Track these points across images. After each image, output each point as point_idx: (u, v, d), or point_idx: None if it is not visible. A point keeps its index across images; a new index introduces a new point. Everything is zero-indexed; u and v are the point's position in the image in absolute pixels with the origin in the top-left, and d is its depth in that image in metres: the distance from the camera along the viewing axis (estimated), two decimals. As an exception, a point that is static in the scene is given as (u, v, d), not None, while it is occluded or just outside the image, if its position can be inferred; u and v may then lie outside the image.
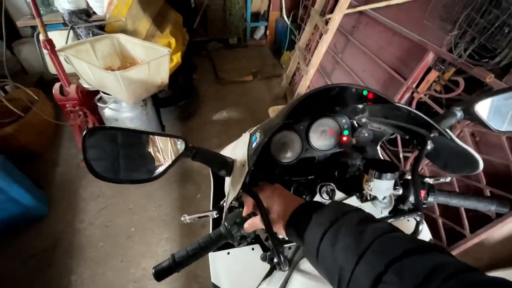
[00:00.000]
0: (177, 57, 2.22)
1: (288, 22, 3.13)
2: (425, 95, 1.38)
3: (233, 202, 0.67)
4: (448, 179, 0.70)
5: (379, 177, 0.52)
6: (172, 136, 0.49)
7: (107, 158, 0.47)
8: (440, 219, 1.23)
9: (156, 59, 1.63)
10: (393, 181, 0.54)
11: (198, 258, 0.55)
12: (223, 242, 0.56)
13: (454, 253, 1.15)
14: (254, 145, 0.55)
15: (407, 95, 1.44)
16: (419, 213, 0.53)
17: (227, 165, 0.56)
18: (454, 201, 0.63)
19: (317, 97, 0.60)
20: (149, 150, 0.50)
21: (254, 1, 3.76)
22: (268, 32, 3.94)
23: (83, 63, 1.56)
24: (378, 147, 0.84)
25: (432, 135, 0.51)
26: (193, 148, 0.52)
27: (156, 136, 0.51)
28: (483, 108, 0.56)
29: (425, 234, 0.73)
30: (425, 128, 0.53)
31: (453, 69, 1.28)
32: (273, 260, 0.53)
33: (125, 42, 1.93)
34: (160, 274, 0.52)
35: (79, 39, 1.94)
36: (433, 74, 1.35)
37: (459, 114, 0.58)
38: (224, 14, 3.70)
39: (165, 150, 0.52)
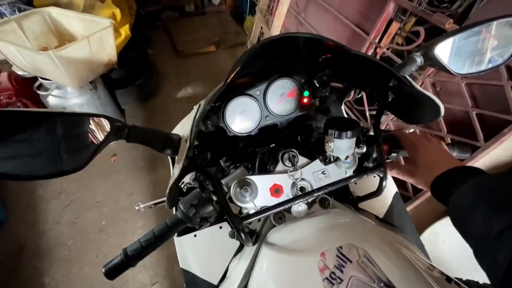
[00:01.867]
0: (125, 30, 1.97)
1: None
2: (387, 49, 1.36)
3: (192, 182, 0.62)
4: (412, 130, 0.69)
5: (339, 137, 0.49)
6: (92, 116, 0.40)
7: (12, 151, 0.37)
8: None
9: (97, 33, 1.42)
10: (354, 140, 0.51)
11: (155, 249, 0.50)
12: (181, 227, 0.51)
13: (418, 201, 1.22)
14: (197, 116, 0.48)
15: (371, 51, 1.41)
16: (382, 169, 0.51)
17: (172, 143, 0.49)
18: (417, 152, 0.62)
19: (269, 55, 0.53)
20: (68, 135, 0.41)
21: (207, -38, 3.41)
22: (227, -3, 3.65)
23: (10, 45, 1.32)
24: (343, 107, 0.80)
25: (391, 84, 0.47)
26: (124, 127, 0.44)
27: (76, 117, 0.41)
28: (443, 51, 0.53)
29: (391, 188, 0.73)
30: (385, 78, 0.49)
31: (413, 19, 1.25)
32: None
33: (58, 16, 1.66)
34: (112, 272, 0.47)
35: (3, 17, 1.64)
36: (395, 26, 1.32)
37: (419, 59, 0.54)
38: (176, -22, 3.33)
39: (92, 133, 0.43)
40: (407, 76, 0.47)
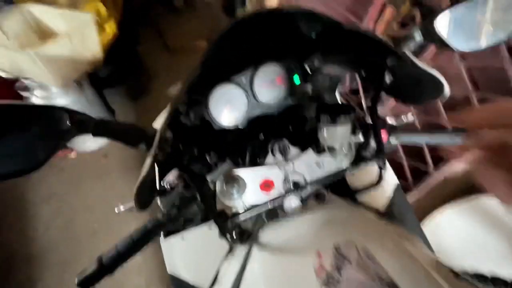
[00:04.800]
0: (112, 27, 1.90)
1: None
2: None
3: (175, 181, 0.57)
4: (411, 118, 0.65)
5: (332, 122, 0.44)
6: (47, 108, 0.34)
7: None
8: (404, 159, 1.24)
9: (78, 29, 1.36)
10: (348, 126, 0.46)
11: (134, 255, 0.45)
12: (163, 230, 0.46)
13: (421, 192, 1.18)
14: None
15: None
16: (381, 157, 0.46)
17: (147, 137, 0.44)
18: (418, 139, 0.57)
19: (250, 35, 0.47)
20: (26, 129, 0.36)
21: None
22: (217, -10, 3.55)
23: (-14, 45, 1.26)
24: (337, 94, 0.76)
25: (388, 63, 0.43)
26: (89, 120, 0.38)
27: (30, 110, 0.36)
28: (442, 25, 0.48)
29: (391, 180, 0.69)
30: (382, 56, 0.44)
31: (408, 2, 1.20)
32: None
33: (39, 13, 1.59)
34: (86, 282, 0.42)
35: (-20, 16, 1.56)
36: (389, 12, 1.27)
37: (418, 36, 0.50)
38: (163, -27, 3.23)
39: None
40: (406, 52, 0.43)
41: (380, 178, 0.49)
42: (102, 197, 1.72)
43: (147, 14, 3.34)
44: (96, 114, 1.93)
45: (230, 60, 0.52)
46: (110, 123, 0.40)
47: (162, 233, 0.63)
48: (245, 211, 0.45)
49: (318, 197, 0.54)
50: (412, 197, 1.20)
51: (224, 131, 0.59)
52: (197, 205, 0.46)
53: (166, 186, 0.52)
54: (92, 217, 1.63)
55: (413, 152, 1.19)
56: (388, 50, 0.41)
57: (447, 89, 0.41)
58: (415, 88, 0.46)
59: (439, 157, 1.08)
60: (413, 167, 1.21)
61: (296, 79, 0.59)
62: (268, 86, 0.58)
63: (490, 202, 1.01)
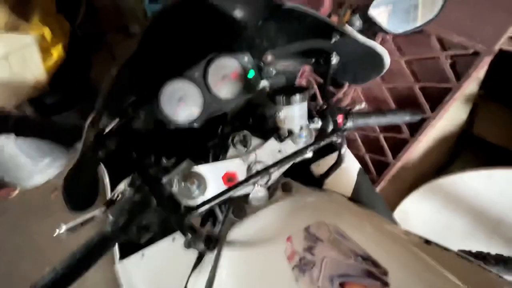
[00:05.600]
0: (58, 51, 1.78)
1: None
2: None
3: (127, 188, 0.51)
4: (363, 105, 0.68)
5: (288, 103, 0.44)
6: None
7: None
8: (366, 154, 1.30)
9: (18, 51, 1.25)
10: (305, 105, 0.46)
11: (80, 277, 0.38)
12: (115, 243, 0.40)
13: (383, 183, 1.23)
14: None
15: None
16: (338, 133, 0.47)
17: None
18: (372, 121, 0.60)
19: (187, 28, 0.46)
20: None
21: (148, -19, 3.36)
22: (173, 15, 3.60)
23: None
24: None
25: (333, 40, 0.45)
26: (9, 117, 0.33)
27: None
28: (377, 10, 0.52)
29: (354, 165, 0.70)
30: (326, 35, 0.46)
31: (349, 11, 1.32)
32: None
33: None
34: None
35: None
36: (334, 20, 1.38)
37: (358, 22, 0.53)
38: (115, -1, 3.20)
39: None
40: (347, 26, 0.45)
41: (340, 157, 0.49)
42: (52, 237, 1.51)
43: (103, 42, 3.24)
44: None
45: (179, 53, 0.51)
46: (36, 120, 0.35)
47: (117, 254, 0.56)
48: (203, 203, 0.41)
49: (284, 187, 0.53)
50: (378, 188, 1.24)
51: (181, 130, 0.56)
52: (152, 209, 0.41)
53: (116, 194, 0.46)
54: (41, 261, 1.42)
55: (373, 146, 1.25)
56: (331, 27, 0.43)
57: (387, 59, 0.43)
58: (360, 66, 0.48)
59: (397, 148, 1.15)
60: (375, 160, 1.26)
61: (251, 74, 0.59)
62: (222, 81, 0.57)
63: (444, 182, 1.09)
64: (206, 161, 0.56)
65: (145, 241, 0.41)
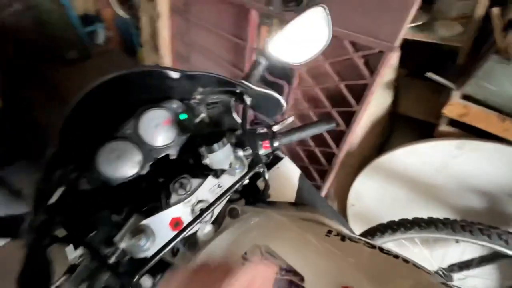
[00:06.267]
0: (-11, 100, 1.67)
1: (126, 16, 2.80)
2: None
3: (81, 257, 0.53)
4: (291, 119, 0.76)
5: (210, 151, 0.50)
6: None
7: None
8: (310, 166, 1.48)
9: None
10: (227, 147, 0.53)
11: None
12: None
13: (334, 170, 1.37)
14: None
15: (254, 56, 1.53)
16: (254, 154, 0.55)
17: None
18: (295, 136, 0.68)
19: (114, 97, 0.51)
20: None
21: (76, 3, 3.17)
22: (111, 33, 3.45)
23: None
24: (234, 114, 0.83)
25: (238, 90, 0.52)
26: None
27: None
28: (276, 47, 0.60)
29: (294, 172, 0.78)
30: (233, 87, 0.53)
31: (277, 20, 1.41)
32: None
33: None
34: None
35: None
36: (264, 30, 1.46)
37: (263, 61, 0.61)
38: (43, 28, 2.99)
39: None
40: (244, 82, 0.52)
41: (274, 159, 0.56)
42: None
43: (39, 73, 3.00)
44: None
45: (106, 118, 0.54)
46: None
47: None
48: (150, 258, 0.46)
49: (231, 213, 0.59)
50: (331, 175, 1.38)
51: (125, 185, 0.59)
52: (109, 270, 0.45)
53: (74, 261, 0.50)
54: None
55: (320, 141, 1.37)
56: (232, 83, 0.50)
57: (283, 102, 0.51)
58: (268, 105, 0.56)
59: (339, 139, 1.29)
60: (324, 152, 1.40)
61: (183, 117, 0.64)
62: (156, 131, 0.61)
63: (382, 161, 1.24)
64: (150, 211, 0.59)
65: None
